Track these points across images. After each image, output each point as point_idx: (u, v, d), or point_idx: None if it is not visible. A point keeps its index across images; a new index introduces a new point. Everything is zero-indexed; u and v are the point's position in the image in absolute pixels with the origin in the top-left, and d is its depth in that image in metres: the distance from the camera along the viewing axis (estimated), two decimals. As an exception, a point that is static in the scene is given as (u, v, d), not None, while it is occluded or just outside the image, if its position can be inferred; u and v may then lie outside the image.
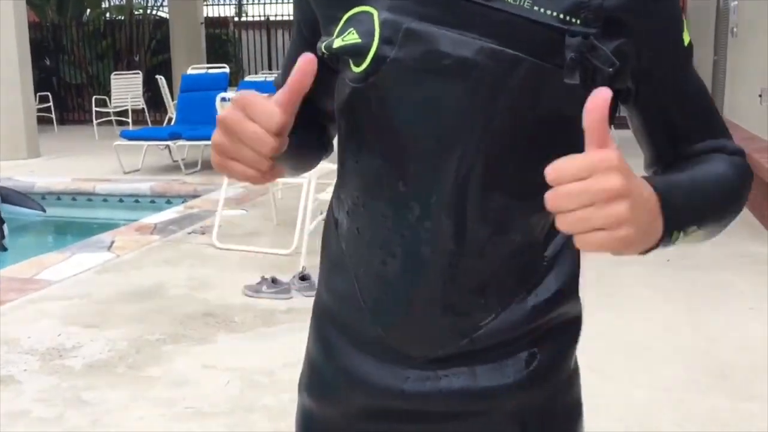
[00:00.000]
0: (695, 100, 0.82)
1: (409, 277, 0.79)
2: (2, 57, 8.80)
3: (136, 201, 6.92)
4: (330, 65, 0.80)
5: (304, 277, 3.90)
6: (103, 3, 14.93)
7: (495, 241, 0.77)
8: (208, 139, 5.44)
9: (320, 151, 0.94)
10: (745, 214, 5.40)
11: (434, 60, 0.72)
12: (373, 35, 0.73)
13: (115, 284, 4.07)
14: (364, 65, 0.74)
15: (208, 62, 13.46)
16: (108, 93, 11.76)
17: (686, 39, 0.79)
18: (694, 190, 0.74)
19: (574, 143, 0.62)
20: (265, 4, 15.08)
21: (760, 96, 5.70)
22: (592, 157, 0.58)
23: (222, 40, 14.73)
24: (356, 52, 0.75)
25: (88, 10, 14.87)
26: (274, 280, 3.87)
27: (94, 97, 11.71)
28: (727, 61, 7.62)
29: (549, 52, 0.70)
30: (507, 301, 0.80)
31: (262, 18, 15.02)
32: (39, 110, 12.12)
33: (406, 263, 0.79)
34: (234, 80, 11.20)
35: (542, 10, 0.70)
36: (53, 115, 12.42)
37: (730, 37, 7.35)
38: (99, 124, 11.37)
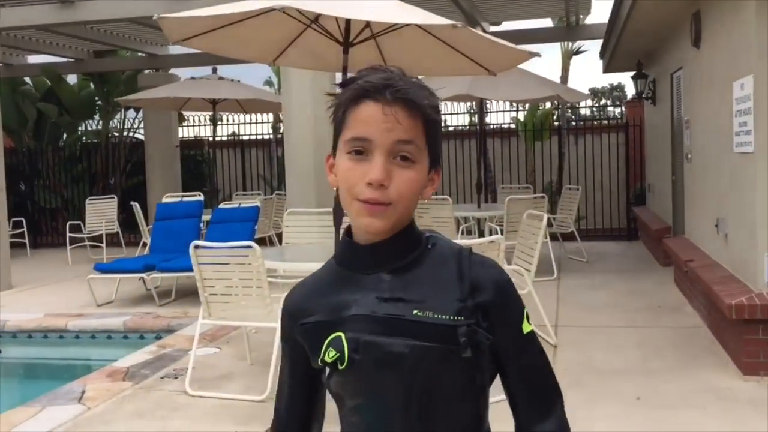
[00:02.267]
0: (529, 369, 1.26)
1: None
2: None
3: (109, 337, 6.88)
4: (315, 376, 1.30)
5: None
6: (79, 128, 15.23)
7: None
8: (183, 270, 5.52)
9: None
10: (710, 342, 5.52)
11: (382, 355, 1.20)
12: (344, 350, 1.20)
13: (86, 443, 4.02)
14: (344, 366, 1.21)
15: (183, 182, 13.68)
16: (82, 216, 11.85)
17: (526, 328, 1.25)
18: None
19: (473, 384, 1.22)
20: (238, 124, 15.49)
21: (716, 226, 5.92)
22: None
23: (197, 160, 15.02)
24: (338, 360, 1.21)
25: (65, 135, 15.14)
26: (246, 436, 3.85)
27: (68, 223, 11.76)
28: (684, 185, 7.93)
29: (448, 339, 1.18)
30: None
31: (236, 137, 15.39)
32: (12, 236, 12.15)
33: None
34: (209, 202, 11.39)
35: (441, 316, 1.19)
36: (26, 240, 12.43)
37: (686, 161, 7.68)
38: (73, 248, 11.39)
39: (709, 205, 6.37)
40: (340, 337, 1.21)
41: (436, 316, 1.18)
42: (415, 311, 1.18)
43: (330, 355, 1.20)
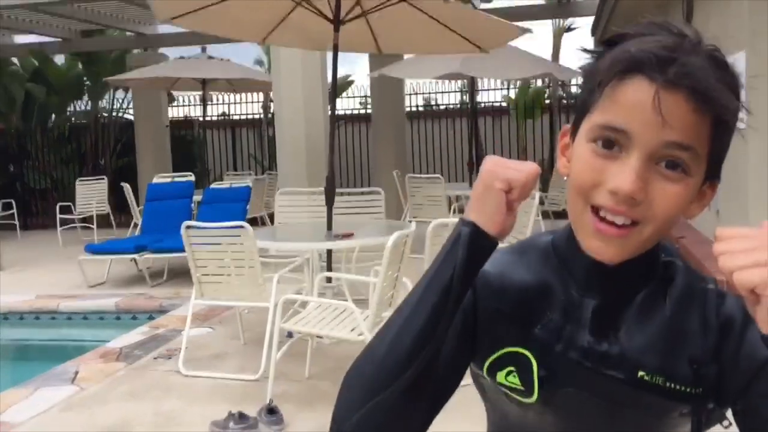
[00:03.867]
0: None
1: None
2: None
3: (101, 318, 6.87)
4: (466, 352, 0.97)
5: (271, 410, 3.90)
6: (68, 108, 15.10)
7: None
8: (175, 250, 5.51)
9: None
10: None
11: (574, 415, 0.92)
12: (533, 386, 0.92)
13: (80, 424, 4.02)
14: (532, 400, 0.93)
15: (173, 163, 13.61)
16: (73, 198, 11.79)
17: None
18: None
19: None
20: (229, 104, 15.40)
21: (718, 212, 5.94)
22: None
23: (187, 141, 14.94)
24: (519, 393, 0.93)
25: (53, 116, 15.02)
26: (241, 416, 3.86)
27: (58, 204, 11.70)
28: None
29: (668, 411, 0.89)
30: None
31: (226, 117, 15.31)
32: (2, 217, 12.08)
33: None
34: (200, 183, 11.34)
35: (673, 385, 0.88)
36: (17, 222, 12.37)
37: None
38: (63, 230, 11.34)
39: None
40: (528, 362, 0.92)
41: (669, 384, 0.88)
42: (641, 373, 0.88)
43: (508, 378, 0.93)
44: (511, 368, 0.93)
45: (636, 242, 0.85)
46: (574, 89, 14.61)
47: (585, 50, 0.89)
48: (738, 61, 5.04)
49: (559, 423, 0.94)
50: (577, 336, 0.91)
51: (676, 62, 0.80)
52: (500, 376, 0.94)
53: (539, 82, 13.75)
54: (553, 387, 0.91)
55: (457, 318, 0.90)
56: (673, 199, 0.83)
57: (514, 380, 0.92)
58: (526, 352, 0.92)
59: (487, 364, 0.95)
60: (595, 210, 0.84)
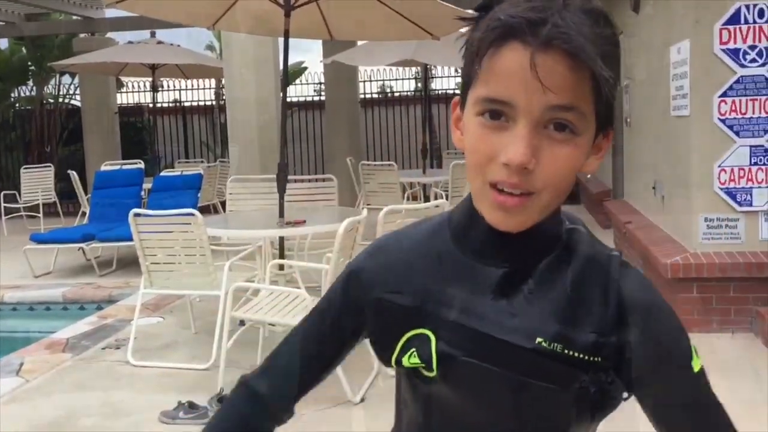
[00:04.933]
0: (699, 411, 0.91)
1: None
2: None
3: (48, 309, 6.72)
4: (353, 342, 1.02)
5: (222, 399, 3.87)
6: (12, 94, 14.67)
7: None
8: (123, 239, 5.39)
9: None
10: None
11: (479, 386, 0.90)
12: (432, 361, 0.90)
13: (25, 416, 3.94)
14: (433, 375, 0.91)
15: (123, 150, 13.34)
16: (17, 186, 11.47)
17: (696, 365, 0.90)
18: None
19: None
20: (179, 90, 15.14)
21: (654, 188, 6.07)
22: None
23: (137, 127, 14.66)
24: (422, 371, 0.92)
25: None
26: (191, 405, 3.82)
27: (2, 192, 11.38)
28: (624, 149, 8.09)
29: (570, 382, 0.87)
30: None
31: (177, 104, 15.06)
32: (-57, 207, 11.71)
33: None
34: (150, 170, 11.14)
35: (571, 352, 0.86)
36: (-41, 211, 11.99)
37: (625, 125, 7.82)
38: (8, 218, 11.04)
39: (647, 168, 6.52)
40: (427, 339, 0.91)
41: (566, 351, 0.86)
42: (539, 339, 0.86)
43: (410, 360, 0.92)
44: (412, 350, 0.91)
45: (537, 208, 0.85)
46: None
47: (461, 18, 0.88)
48: (683, 48, 5.15)
49: (464, 402, 0.92)
50: (475, 305, 0.90)
51: (548, 22, 0.79)
52: (405, 361, 0.92)
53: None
54: (453, 358, 0.89)
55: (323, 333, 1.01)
56: (564, 161, 0.82)
57: (415, 360, 0.91)
58: (424, 331, 0.91)
59: (394, 357, 0.94)
60: (493, 184, 0.84)
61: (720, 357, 4.46)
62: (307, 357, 1.02)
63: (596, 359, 0.86)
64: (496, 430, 0.92)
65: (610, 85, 0.82)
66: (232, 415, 1.05)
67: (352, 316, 0.99)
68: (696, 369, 0.90)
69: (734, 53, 4.83)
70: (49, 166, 11.65)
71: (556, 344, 0.86)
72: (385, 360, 0.96)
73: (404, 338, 0.92)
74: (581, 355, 0.86)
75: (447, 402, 0.94)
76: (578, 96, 0.81)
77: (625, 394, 0.90)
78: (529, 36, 0.79)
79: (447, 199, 7.97)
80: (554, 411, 0.89)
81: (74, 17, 13.47)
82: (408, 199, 9.63)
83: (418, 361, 0.91)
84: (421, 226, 0.99)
